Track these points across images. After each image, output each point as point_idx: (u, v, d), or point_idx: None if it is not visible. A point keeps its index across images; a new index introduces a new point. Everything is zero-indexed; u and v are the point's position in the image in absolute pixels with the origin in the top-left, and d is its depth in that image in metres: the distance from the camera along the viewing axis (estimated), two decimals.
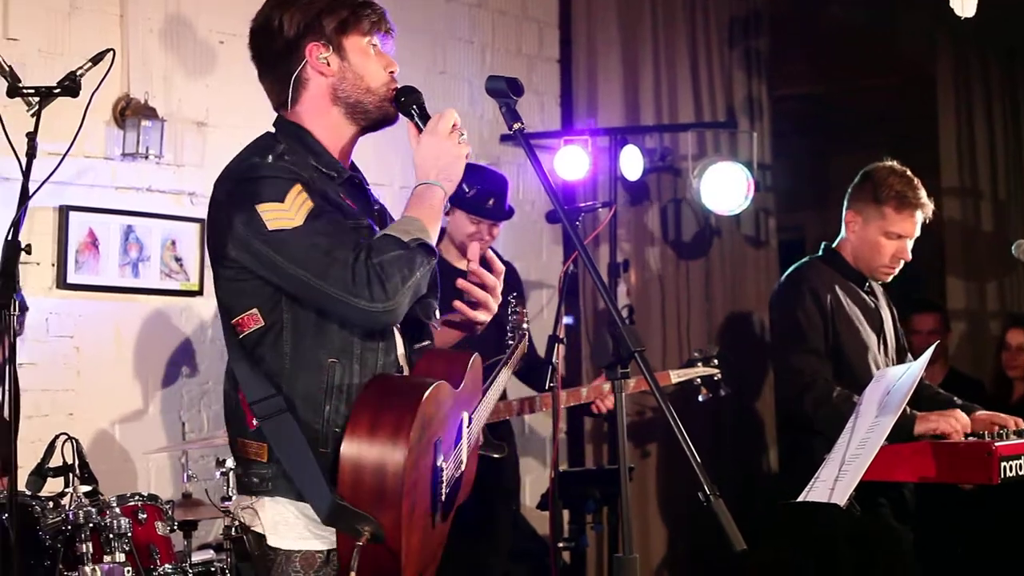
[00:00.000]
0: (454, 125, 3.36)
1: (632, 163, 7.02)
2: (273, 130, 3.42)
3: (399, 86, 3.42)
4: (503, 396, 6.09)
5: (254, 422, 3.22)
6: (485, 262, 3.54)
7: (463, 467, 3.52)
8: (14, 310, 3.60)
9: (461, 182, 3.37)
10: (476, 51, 7.54)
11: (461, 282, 3.50)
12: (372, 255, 3.12)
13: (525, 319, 4.71)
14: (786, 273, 5.64)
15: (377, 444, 3.11)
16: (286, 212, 3.15)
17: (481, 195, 5.83)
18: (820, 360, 5.30)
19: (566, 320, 7.53)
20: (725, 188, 7.09)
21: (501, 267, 3.56)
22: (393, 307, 3.13)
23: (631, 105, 7.83)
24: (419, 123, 3.38)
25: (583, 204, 6.20)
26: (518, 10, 7.84)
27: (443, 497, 3.37)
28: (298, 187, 3.19)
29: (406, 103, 3.40)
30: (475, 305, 3.52)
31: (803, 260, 5.63)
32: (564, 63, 8.05)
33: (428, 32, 7.28)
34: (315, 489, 3.15)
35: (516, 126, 3.42)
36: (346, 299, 3.10)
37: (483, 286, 3.52)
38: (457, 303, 3.52)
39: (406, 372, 3.41)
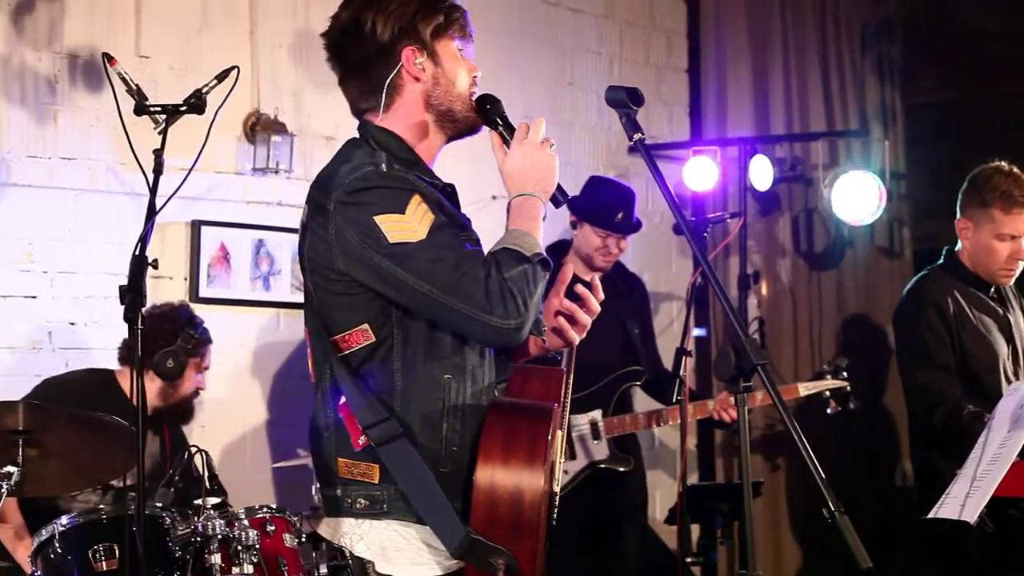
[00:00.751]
0: (544, 136, 3.27)
1: (762, 173, 6.93)
2: (358, 136, 3.31)
3: (479, 95, 3.33)
4: (630, 409, 6.07)
5: (361, 441, 3.08)
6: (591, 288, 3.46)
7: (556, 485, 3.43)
8: (142, 324, 3.63)
9: (557, 189, 3.28)
10: (604, 62, 7.51)
11: (580, 288, 3.42)
12: (502, 269, 3.02)
13: None
14: (907, 286, 5.55)
15: (512, 473, 3.01)
16: (408, 224, 3.03)
17: (609, 208, 5.80)
18: (949, 376, 5.19)
19: (697, 332, 7.47)
20: (857, 198, 6.97)
21: (601, 296, 3.46)
22: (523, 323, 3.02)
23: (761, 114, 7.74)
24: (504, 133, 3.30)
25: (711, 215, 6.13)
26: (646, 20, 7.80)
27: (553, 522, 3.27)
28: (417, 198, 3.07)
29: (491, 112, 3.31)
30: (572, 322, 3.43)
31: (923, 272, 5.53)
32: (693, 73, 8.00)
33: (555, 44, 7.27)
34: (443, 520, 3.03)
35: (637, 137, 3.30)
36: (477, 315, 2.99)
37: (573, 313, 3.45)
38: (559, 320, 3.39)
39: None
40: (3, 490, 3.92)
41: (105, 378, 5.14)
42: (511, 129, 3.29)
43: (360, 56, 3.26)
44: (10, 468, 3.95)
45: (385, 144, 3.22)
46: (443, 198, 3.22)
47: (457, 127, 3.32)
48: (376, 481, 3.08)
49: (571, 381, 3.45)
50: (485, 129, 3.35)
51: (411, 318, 3.10)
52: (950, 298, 5.27)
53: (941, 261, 5.48)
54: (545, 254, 3.14)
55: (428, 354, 3.12)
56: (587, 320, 3.38)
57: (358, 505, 3.10)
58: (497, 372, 3.31)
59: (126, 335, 4.32)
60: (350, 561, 3.15)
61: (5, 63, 5.47)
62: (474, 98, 3.32)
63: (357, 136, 3.31)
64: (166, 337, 5.05)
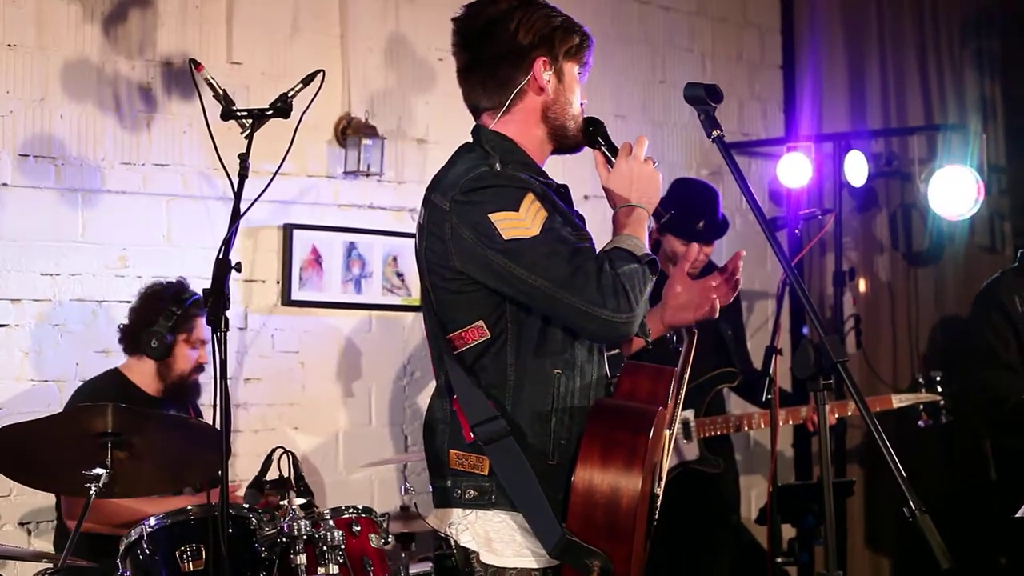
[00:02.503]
0: (647, 154, 3.39)
1: (857, 169, 6.85)
2: (471, 140, 3.38)
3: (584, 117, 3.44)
4: (722, 410, 6.03)
5: (471, 435, 3.17)
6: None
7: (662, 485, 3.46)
8: (225, 327, 3.67)
9: (660, 203, 3.38)
10: (696, 59, 7.47)
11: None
12: (615, 265, 3.10)
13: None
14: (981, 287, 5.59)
15: (610, 476, 3.06)
16: (521, 221, 3.10)
17: (690, 216, 5.73)
18: (1015, 375, 5.20)
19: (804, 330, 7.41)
20: (954, 192, 6.85)
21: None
22: (634, 319, 3.10)
23: (857, 109, 7.65)
24: (607, 153, 3.40)
25: (803, 212, 6.06)
26: (739, 16, 7.74)
27: (655, 523, 3.32)
28: (531, 196, 3.15)
29: (594, 133, 3.42)
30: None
31: (996, 274, 5.55)
32: (787, 68, 7.93)
33: (647, 42, 7.25)
34: (542, 520, 3.10)
35: (715, 133, 3.40)
36: (591, 309, 3.06)
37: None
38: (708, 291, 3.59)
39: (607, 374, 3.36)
40: (92, 491, 3.98)
41: (115, 375, 5.20)
42: (614, 149, 3.40)
43: (494, 52, 3.32)
44: (99, 470, 4.02)
45: (499, 147, 3.30)
46: (556, 198, 3.30)
47: (564, 143, 3.42)
48: (486, 473, 3.17)
49: (687, 372, 3.52)
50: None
51: (525, 314, 3.19)
52: (1017, 298, 5.28)
53: (1015, 264, 5.53)
54: (655, 257, 3.21)
55: (539, 349, 3.20)
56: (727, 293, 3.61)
57: (467, 496, 3.20)
58: (610, 368, 3.37)
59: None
60: (455, 551, 3.25)
61: (99, 72, 5.57)
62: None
63: (471, 140, 3.39)
64: (153, 316, 5.13)
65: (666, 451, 3.45)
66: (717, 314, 3.58)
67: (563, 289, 3.08)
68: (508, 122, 3.34)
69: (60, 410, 5.18)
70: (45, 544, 5.22)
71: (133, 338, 5.16)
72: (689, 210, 5.75)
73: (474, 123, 3.43)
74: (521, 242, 3.09)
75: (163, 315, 5.08)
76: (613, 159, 3.38)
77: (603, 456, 3.08)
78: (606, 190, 3.38)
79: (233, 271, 3.69)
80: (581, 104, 3.43)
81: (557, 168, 3.50)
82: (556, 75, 3.34)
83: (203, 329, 5.08)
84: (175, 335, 5.09)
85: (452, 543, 3.27)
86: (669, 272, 5.36)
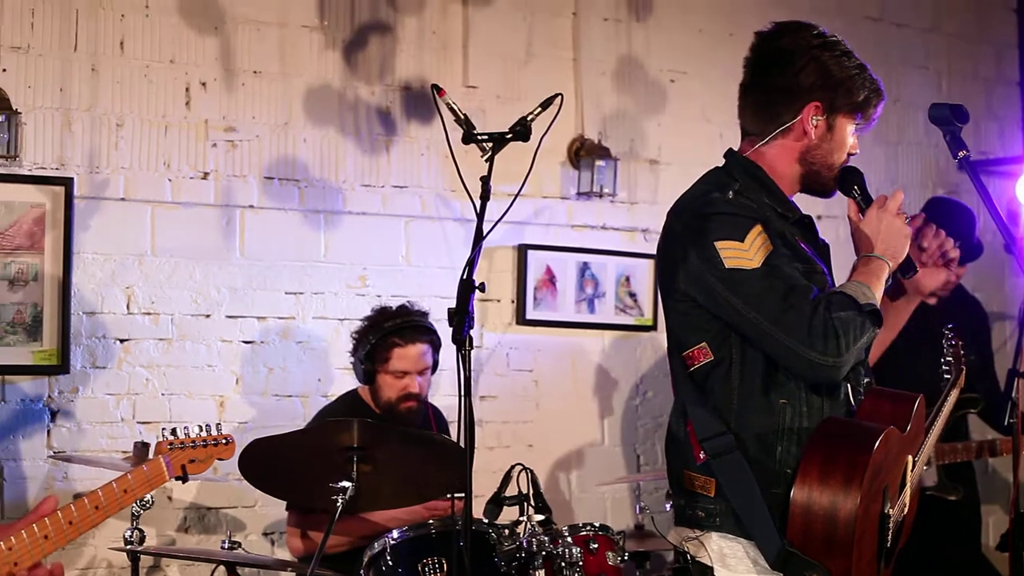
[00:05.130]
0: (901, 208, 3.36)
1: None
2: (723, 163, 3.42)
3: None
4: (964, 436, 5.88)
5: (701, 455, 3.22)
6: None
7: (905, 511, 3.43)
8: (469, 346, 3.73)
9: (906, 260, 3.36)
10: (931, 77, 7.34)
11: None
12: (832, 309, 3.08)
13: (962, 352, 4.54)
14: None
15: (829, 491, 3.07)
16: (745, 252, 3.13)
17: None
18: None
19: None
20: None
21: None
22: (841, 364, 3.10)
23: None
24: (861, 203, 3.37)
25: None
26: (974, 33, 7.57)
27: (888, 543, 3.30)
28: (758, 227, 3.17)
29: (849, 183, 3.39)
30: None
31: None
32: None
33: (882, 60, 7.13)
34: (764, 531, 3.13)
35: (961, 154, 3.33)
36: (798, 348, 3.07)
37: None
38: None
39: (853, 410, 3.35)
40: (339, 503, 4.09)
41: (352, 397, 5.29)
42: (868, 200, 3.38)
43: (774, 83, 3.36)
44: (345, 483, 4.14)
45: (745, 173, 3.34)
46: (794, 228, 3.31)
47: (813, 188, 3.43)
48: (712, 495, 3.22)
49: (953, 399, 3.49)
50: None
51: (750, 341, 3.19)
52: None
53: None
54: (879, 308, 3.18)
55: (766, 378, 3.21)
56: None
57: (698, 515, 3.26)
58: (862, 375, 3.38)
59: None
60: (691, 566, 3.30)
61: (340, 97, 5.74)
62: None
63: (721, 164, 3.43)
64: (357, 343, 5.18)
65: (909, 475, 3.41)
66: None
67: (774, 325, 3.10)
68: (764, 152, 3.37)
69: (303, 425, 5.34)
70: (288, 553, 5.38)
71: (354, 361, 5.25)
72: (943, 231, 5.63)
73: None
74: (741, 272, 3.12)
75: (361, 343, 5.15)
76: (865, 209, 3.36)
77: (822, 471, 3.09)
78: (853, 238, 3.37)
79: (476, 291, 3.75)
80: (849, 155, 3.39)
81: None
82: (826, 123, 3.32)
83: (402, 360, 5.06)
84: (374, 364, 5.11)
85: (689, 559, 3.31)
86: (908, 290, 5.30)
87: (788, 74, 3.32)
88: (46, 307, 5.18)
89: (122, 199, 5.36)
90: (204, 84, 5.52)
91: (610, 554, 4.56)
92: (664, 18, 6.47)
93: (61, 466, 5.21)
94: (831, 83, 3.30)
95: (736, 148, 3.46)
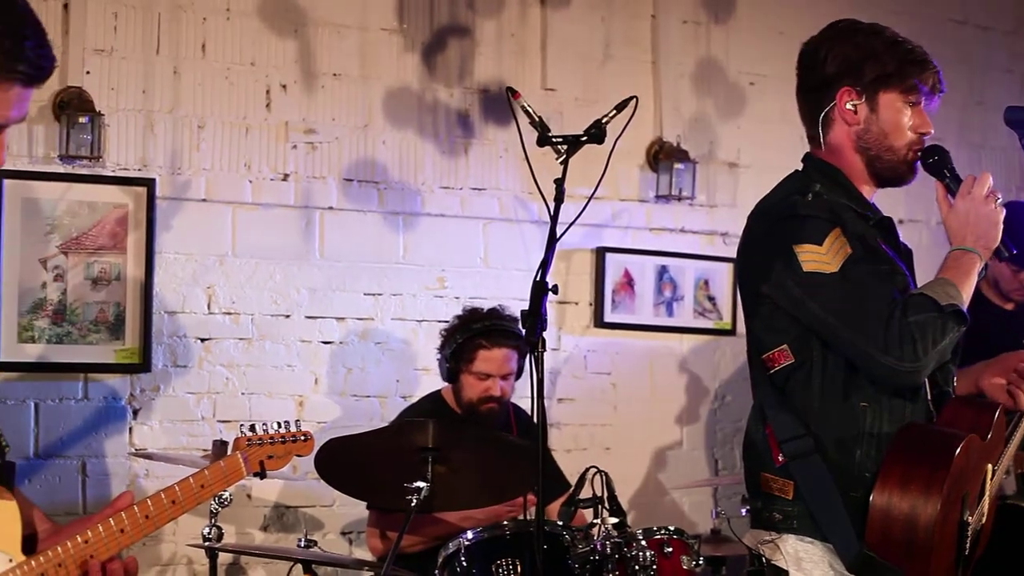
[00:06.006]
0: (990, 190, 3.25)
1: None
2: (802, 167, 3.40)
3: (925, 147, 3.32)
4: None
5: (780, 458, 3.21)
6: None
7: (984, 519, 3.39)
8: (542, 348, 3.74)
9: (1002, 242, 3.27)
10: (1016, 80, 7.24)
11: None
12: (908, 313, 3.04)
13: None
14: None
15: (909, 497, 3.05)
16: (823, 256, 3.11)
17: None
18: None
19: None
20: None
21: None
22: (918, 369, 3.06)
23: None
24: (951, 185, 3.29)
25: None
26: None
27: (966, 551, 3.26)
28: (837, 231, 3.14)
29: (935, 164, 3.31)
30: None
31: None
32: None
33: (964, 63, 7.05)
34: (841, 534, 3.12)
35: None
36: (874, 354, 3.05)
37: None
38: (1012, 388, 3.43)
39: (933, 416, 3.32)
40: (414, 503, 4.11)
41: (434, 398, 5.30)
42: (957, 181, 3.30)
43: (807, 82, 3.38)
44: (420, 483, 4.15)
45: (823, 175, 3.32)
46: (874, 230, 3.27)
47: (883, 175, 3.36)
48: (790, 497, 3.20)
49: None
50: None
51: (829, 345, 3.17)
52: None
53: None
54: (963, 307, 3.12)
55: (847, 381, 3.18)
56: None
57: (774, 518, 3.24)
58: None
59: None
60: (766, 569, 3.28)
61: (419, 100, 5.77)
62: (919, 151, 3.33)
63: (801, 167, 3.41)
64: (444, 341, 5.19)
65: (988, 484, 3.37)
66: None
67: (851, 330, 3.08)
68: (830, 151, 3.35)
69: (381, 425, 5.37)
70: (365, 552, 5.41)
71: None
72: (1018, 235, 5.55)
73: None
74: (819, 276, 3.10)
75: (448, 342, 5.17)
76: (955, 191, 3.28)
77: (903, 476, 3.07)
78: (945, 226, 3.29)
79: (549, 293, 3.76)
80: (922, 134, 3.32)
81: (926, 196, 3.45)
82: (867, 105, 3.29)
83: (486, 363, 5.07)
84: (458, 364, 5.12)
85: (765, 562, 3.30)
86: (987, 294, 5.22)
87: (816, 69, 3.32)
88: (128, 306, 5.26)
89: (203, 200, 5.42)
90: (284, 86, 5.57)
91: (685, 558, 4.54)
92: (744, 20, 6.45)
93: (142, 463, 5.29)
94: (854, 63, 3.28)
95: None
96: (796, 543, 3.21)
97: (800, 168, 3.41)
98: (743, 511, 5.08)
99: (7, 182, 5.05)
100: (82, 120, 5.10)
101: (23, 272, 5.11)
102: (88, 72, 5.22)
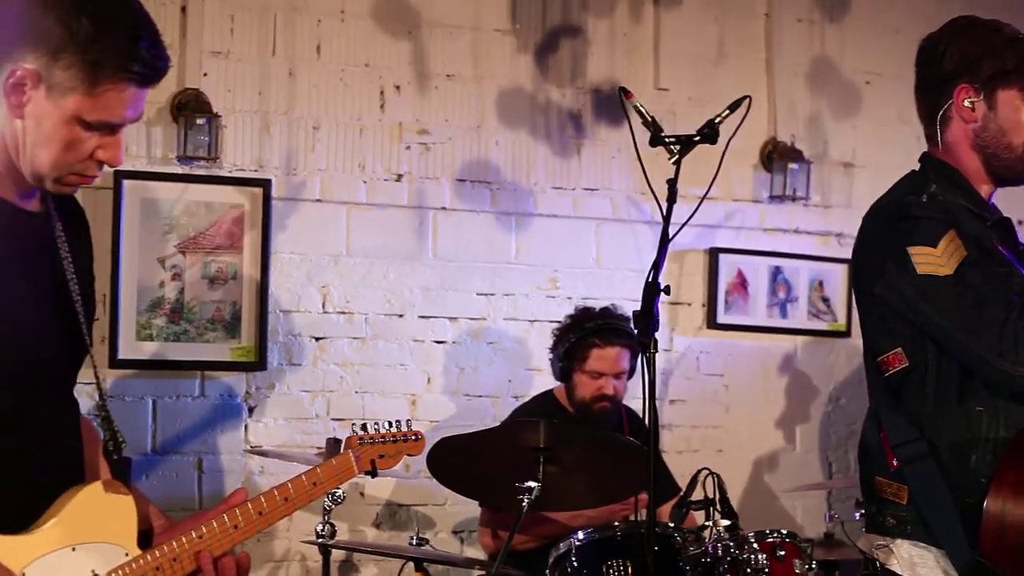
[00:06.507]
0: None
1: None
2: (919, 167, 3.35)
3: None
4: None
5: (894, 463, 3.16)
6: None
7: None
8: (654, 348, 3.73)
9: None
10: None
11: None
12: None
13: None
14: None
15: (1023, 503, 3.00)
16: (937, 258, 3.06)
17: None
18: None
19: None
20: None
21: None
22: None
23: None
24: None
25: None
26: None
27: None
28: (952, 233, 3.08)
29: None
30: None
31: None
32: None
33: None
34: (954, 540, 3.07)
35: None
36: (989, 358, 3.00)
37: None
38: None
39: None
40: (525, 503, 4.12)
41: (547, 398, 5.31)
42: None
43: (925, 79, 3.32)
44: (531, 483, 4.16)
45: (939, 175, 3.25)
46: (991, 231, 3.21)
47: (1001, 174, 3.30)
48: (904, 502, 3.16)
49: None
50: None
51: (943, 349, 3.13)
52: None
53: None
54: None
55: (961, 385, 3.12)
56: None
57: (888, 523, 3.20)
58: None
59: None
60: (881, 574, 3.24)
61: (532, 100, 5.78)
62: None
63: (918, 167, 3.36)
64: (557, 340, 5.20)
65: None
66: None
67: (964, 334, 3.02)
68: (947, 150, 3.28)
69: (493, 425, 5.38)
70: (476, 551, 5.44)
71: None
72: None
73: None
74: (934, 279, 3.05)
75: (560, 341, 5.17)
76: None
77: (1018, 481, 3.01)
78: None
79: (661, 293, 3.75)
80: None
81: None
82: (985, 103, 3.22)
83: (599, 361, 5.07)
84: (571, 363, 5.12)
85: (879, 566, 3.26)
86: None
87: (934, 66, 3.26)
88: (244, 305, 5.33)
89: (318, 200, 5.48)
90: (398, 87, 5.61)
91: (797, 562, 4.50)
92: (859, 18, 6.37)
93: (256, 460, 5.35)
94: (972, 59, 3.21)
95: None
96: (910, 548, 3.16)
97: (917, 168, 3.37)
98: (857, 515, 5.02)
99: (126, 183, 5.14)
100: (199, 121, 5.18)
101: (141, 271, 5.20)
102: (205, 74, 5.30)
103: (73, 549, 2.62)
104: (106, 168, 2.61)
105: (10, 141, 2.51)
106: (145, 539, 2.77)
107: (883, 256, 3.16)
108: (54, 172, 2.53)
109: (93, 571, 2.64)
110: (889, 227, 3.17)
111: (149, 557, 2.71)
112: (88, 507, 2.66)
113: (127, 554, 2.70)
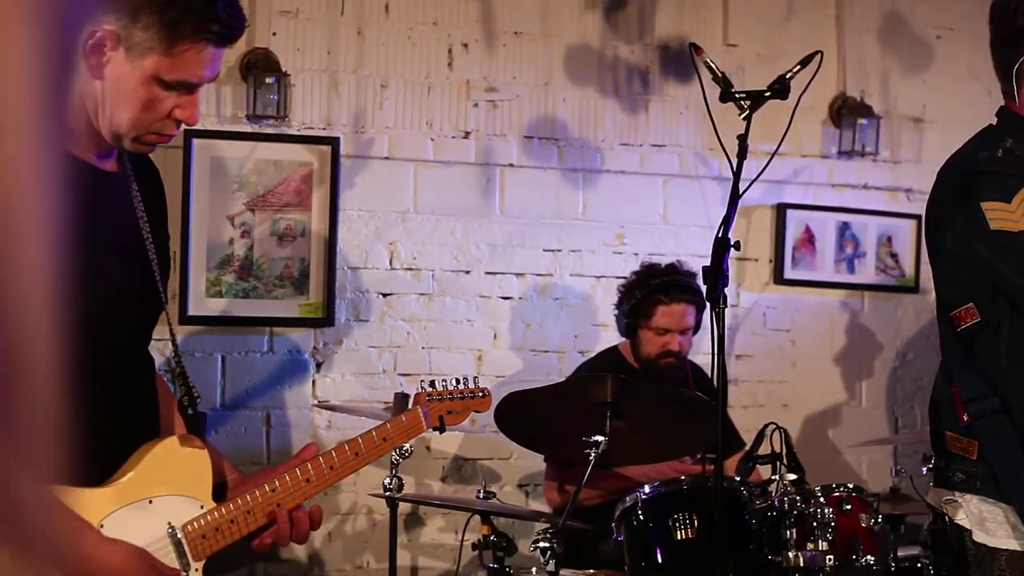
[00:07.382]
0: None
1: None
2: (995, 122, 3.32)
3: None
4: None
5: (965, 417, 3.16)
6: None
7: None
8: (723, 304, 3.75)
9: None
10: None
11: None
12: None
13: None
14: None
15: None
16: (1011, 214, 3.05)
17: None
18: None
19: None
20: None
21: None
22: None
23: None
24: None
25: None
26: None
27: None
28: None
29: None
30: None
31: None
32: None
33: None
34: (1023, 494, 3.08)
35: None
36: None
37: None
38: None
39: None
40: (592, 457, 4.14)
41: (612, 353, 5.33)
42: None
43: (1001, 34, 3.28)
44: (598, 437, 4.17)
45: (1015, 128, 3.22)
46: None
47: None
48: (974, 457, 3.16)
49: None
50: None
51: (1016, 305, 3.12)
52: None
53: None
54: None
55: None
56: None
57: (957, 478, 3.21)
58: None
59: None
60: (948, 528, 3.28)
61: (600, 57, 5.78)
62: None
63: (994, 122, 3.33)
64: (623, 296, 5.21)
65: None
66: None
67: None
68: (1021, 106, 3.24)
69: (559, 380, 5.41)
70: (541, 504, 5.48)
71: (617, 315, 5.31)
72: None
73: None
74: (1007, 235, 3.04)
75: (626, 297, 5.18)
76: None
77: None
78: None
79: (731, 249, 3.76)
80: None
81: None
82: None
83: (665, 318, 5.07)
84: (636, 319, 5.13)
85: (947, 520, 3.28)
86: None
87: (1008, 21, 3.21)
88: (312, 262, 5.38)
89: (386, 158, 5.51)
90: (466, 45, 5.62)
91: (863, 516, 4.49)
92: None
93: (324, 415, 5.41)
94: None
95: None
96: (979, 503, 3.17)
97: (993, 122, 3.35)
98: (924, 470, 5.00)
99: (196, 141, 5.19)
100: (269, 81, 5.22)
101: (211, 229, 5.26)
102: (274, 33, 5.34)
103: (150, 502, 2.68)
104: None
105: (89, 102, 2.56)
106: (219, 492, 2.83)
107: (956, 211, 3.14)
108: (133, 131, 2.58)
109: (169, 523, 2.70)
110: (963, 182, 3.15)
111: (224, 510, 2.77)
112: (164, 461, 2.72)
113: (202, 507, 2.75)
